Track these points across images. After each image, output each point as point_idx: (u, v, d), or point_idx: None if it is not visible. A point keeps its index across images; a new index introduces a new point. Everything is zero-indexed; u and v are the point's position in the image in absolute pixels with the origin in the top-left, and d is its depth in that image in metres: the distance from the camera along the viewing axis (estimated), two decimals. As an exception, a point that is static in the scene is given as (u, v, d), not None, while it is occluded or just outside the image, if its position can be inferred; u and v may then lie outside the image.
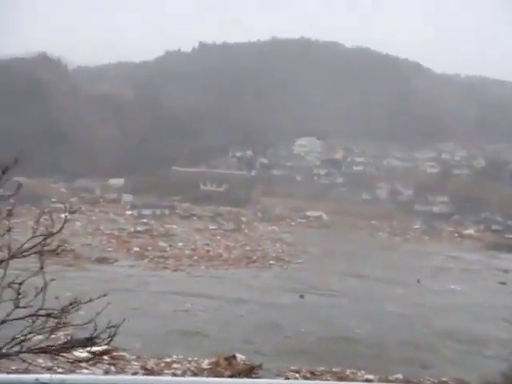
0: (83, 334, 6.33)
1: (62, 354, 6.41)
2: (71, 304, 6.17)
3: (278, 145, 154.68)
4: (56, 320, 6.12)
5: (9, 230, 6.17)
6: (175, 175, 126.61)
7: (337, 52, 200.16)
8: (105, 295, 6.87)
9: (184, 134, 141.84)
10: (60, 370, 23.12)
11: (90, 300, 6.58)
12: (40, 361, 22.63)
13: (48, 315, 6.06)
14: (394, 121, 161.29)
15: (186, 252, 66.76)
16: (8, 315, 6.00)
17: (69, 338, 6.35)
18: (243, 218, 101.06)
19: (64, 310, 6.12)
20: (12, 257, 6.18)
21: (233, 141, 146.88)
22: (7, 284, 6.05)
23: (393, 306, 44.70)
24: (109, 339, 6.41)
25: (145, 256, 62.74)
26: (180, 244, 71.65)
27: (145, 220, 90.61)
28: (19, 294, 6.03)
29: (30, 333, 5.94)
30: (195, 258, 63.39)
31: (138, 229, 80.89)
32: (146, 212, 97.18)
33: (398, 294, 50.40)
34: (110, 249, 65.97)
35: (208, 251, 68.02)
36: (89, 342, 6.40)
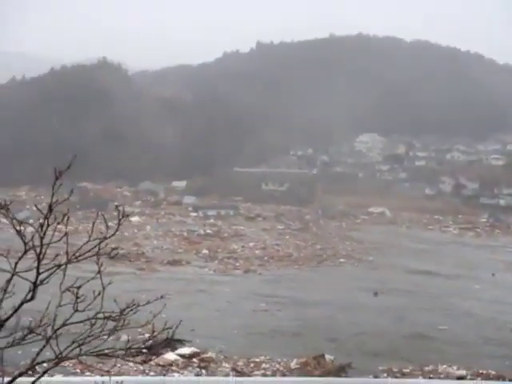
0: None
1: (126, 357, 6.47)
2: (129, 306, 6.10)
3: (339, 142, 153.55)
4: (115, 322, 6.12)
5: (65, 235, 6.04)
6: (236, 176, 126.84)
7: (396, 46, 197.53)
8: (161, 297, 6.65)
9: (244, 135, 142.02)
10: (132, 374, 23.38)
11: (148, 302, 6.36)
12: (131, 364, 23.21)
13: (106, 318, 6.06)
14: (457, 113, 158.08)
15: (256, 252, 66.87)
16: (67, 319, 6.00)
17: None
18: (307, 217, 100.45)
19: (122, 313, 6.10)
20: (68, 261, 5.91)
21: (293, 139, 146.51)
22: (66, 288, 6.07)
23: (471, 302, 44.31)
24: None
25: (215, 257, 63.16)
26: (250, 244, 71.78)
27: (211, 221, 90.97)
28: (78, 297, 6.03)
29: (89, 336, 5.99)
30: (265, 258, 63.38)
31: (208, 231, 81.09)
32: (211, 213, 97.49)
33: (475, 290, 49.81)
34: (180, 250, 66.43)
35: (278, 251, 68.03)
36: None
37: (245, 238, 76.36)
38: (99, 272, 6.10)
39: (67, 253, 6.03)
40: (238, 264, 60.01)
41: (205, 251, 66.00)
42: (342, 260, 63.97)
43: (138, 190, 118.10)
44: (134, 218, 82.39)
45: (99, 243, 5.95)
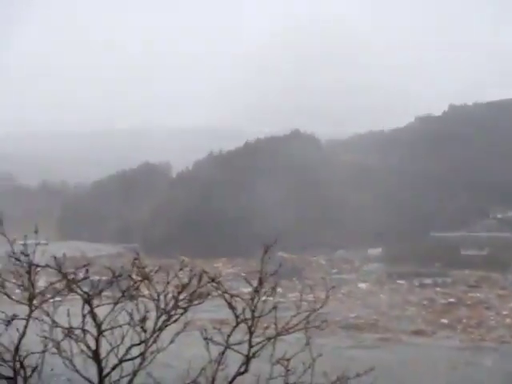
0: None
1: None
2: (338, 379, 6.06)
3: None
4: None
5: (274, 308, 6.26)
6: (433, 241, 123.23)
7: None
8: (371, 369, 6.40)
9: (440, 198, 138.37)
10: None
11: (358, 375, 6.13)
12: None
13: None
14: None
15: (507, 321, 62.33)
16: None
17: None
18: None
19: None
20: (278, 334, 5.93)
21: (492, 201, 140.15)
22: (276, 360, 6.21)
23: None
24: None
25: (459, 328, 59.69)
26: (504, 312, 66.76)
27: (438, 289, 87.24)
28: (288, 370, 6.08)
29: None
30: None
31: (451, 299, 77.29)
32: (427, 281, 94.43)
33: None
34: (418, 320, 63.61)
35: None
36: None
37: (490, 307, 71.26)
38: (308, 344, 6.09)
39: (276, 325, 6.10)
40: (491, 335, 55.66)
41: (446, 321, 62.47)
42: None
43: (332, 259, 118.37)
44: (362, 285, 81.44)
45: (308, 315, 5.96)
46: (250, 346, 5.94)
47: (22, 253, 6.07)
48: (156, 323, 6.73)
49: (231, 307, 5.99)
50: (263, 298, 6.00)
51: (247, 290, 6.30)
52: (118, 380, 6.61)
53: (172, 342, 6.71)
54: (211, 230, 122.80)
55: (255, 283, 6.21)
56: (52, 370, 7.02)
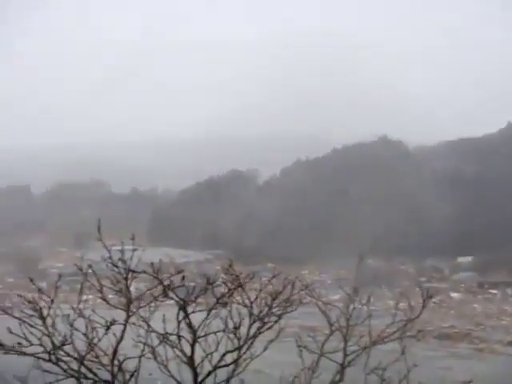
0: None
1: None
2: None
3: None
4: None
5: (369, 317, 6.16)
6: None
7: None
8: (470, 382, 6.25)
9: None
10: None
11: None
12: None
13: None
14: None
15: None
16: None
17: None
18: None
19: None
20: (374, 343, 5.84)
21: None
22: (370, 370, 6.09)
23: None
24: None
25: None
26: None
27: None
28: (383, 380, 5.99)
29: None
30: None
31: None
32: None
33: None
34: None
35: None
36: None
37: None
38: (403, 353, 5.98)
39: (370, 334, 6.01)
40: None
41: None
42: None
43: (421, 267, 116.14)
44: (454, 295, 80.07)
45: (404, 325, 5.84)
46: (345, 355, 5.87)
47: (120, 259, 6.18)
48: (249, 330, 6.76)
49: (325, 315, 5.93)
50: (358, 306, 5.93)
51: (336, 297, 6.23)
52: (212, 386, 6.67)
53: (266, 349, 6.71)
54: (298, 236, 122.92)
55: (345, 291, 6.15)
56: (151, 374, 7.13)
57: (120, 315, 6.43)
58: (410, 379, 6.08)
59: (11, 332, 5.99)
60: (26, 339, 5.96)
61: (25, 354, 5.94)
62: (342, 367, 5.83)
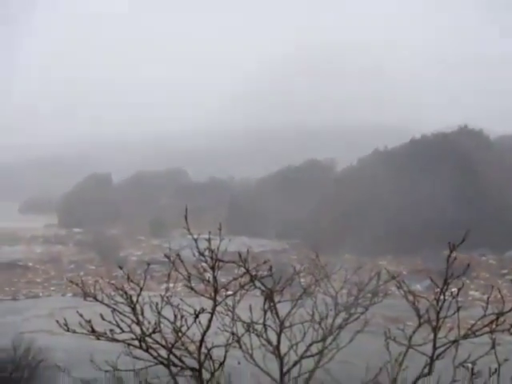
0: None
1: None
2: None
3: None
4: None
5: (458, 310, 5.91)
6: None
7: None
8: None
9: None
10: None
11: None
12: None
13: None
14: None
15: None
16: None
17: None
18: None
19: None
20: (464, 336, 5.68)
21: None
22: (460, 363, 5.85)
23: None
24: None
25: None
26: None
27: None
28: (473, 374, 5.76)
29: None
30: None
31: None
32: None
33: None
34: None
35: None
36: None
37: None
38: (493, 348, 5.78)
39: (458, 327, 5.85)
40: None
41: None
42: None
43: (503, 258, 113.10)
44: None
45: (496, 318, 5.64)
46: (435, 348, 5.73)
47: (208, 248, 6.16)
48: (334, 321, 6.70)
49: (415, 307, 5.81)
50: (448, 299, 5.78)
51: (417, 287, 6.11)
52: (298, 376, 6.65)
53: (352, 340, 6.66)
54: (376, 226, 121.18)
55: (425, 283, 6.01)
56: (239, 363, 7.14)
57: (202, 303, 6.38)
58: (501, 374, 5.89)
59: (103, 319, 6.09)
60: (118, 326, 6.06)
61: (117, 340, 6.03)
62: (432, 360, 5.70)
